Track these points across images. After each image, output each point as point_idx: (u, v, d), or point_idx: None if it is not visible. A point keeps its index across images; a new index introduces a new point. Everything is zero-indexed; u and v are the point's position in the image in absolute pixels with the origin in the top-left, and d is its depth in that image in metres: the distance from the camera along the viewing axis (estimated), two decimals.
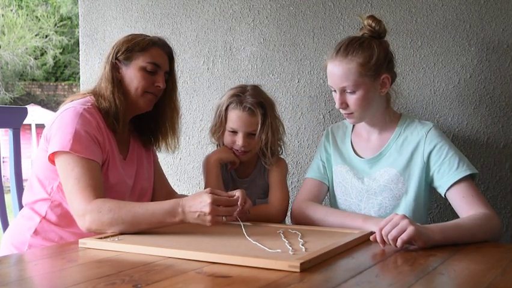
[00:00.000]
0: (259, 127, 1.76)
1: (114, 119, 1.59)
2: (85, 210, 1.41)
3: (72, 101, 1.60)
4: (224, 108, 1.78)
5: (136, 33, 1.71)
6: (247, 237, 1.33)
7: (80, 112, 1.52)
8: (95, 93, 1.62)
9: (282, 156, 1.89)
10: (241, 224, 1.40)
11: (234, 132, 1.78)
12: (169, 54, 1.70)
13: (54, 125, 1.53)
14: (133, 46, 1.63)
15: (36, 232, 1.55)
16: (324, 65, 1.64)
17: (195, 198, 1.38)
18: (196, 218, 1.37)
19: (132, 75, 1.62)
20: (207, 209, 1.35)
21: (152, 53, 1.63)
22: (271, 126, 1.78)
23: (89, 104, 1.58)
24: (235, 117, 1.76)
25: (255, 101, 1.76)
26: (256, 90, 1.81)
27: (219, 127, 1.81)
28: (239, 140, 1.77)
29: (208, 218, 1.36)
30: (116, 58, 1.63)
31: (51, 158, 1.51)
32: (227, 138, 1.80)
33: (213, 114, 1.86)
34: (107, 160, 1.56)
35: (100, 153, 1.52)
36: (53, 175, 1.55)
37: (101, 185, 1.48)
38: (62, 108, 1.58)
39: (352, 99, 1.58)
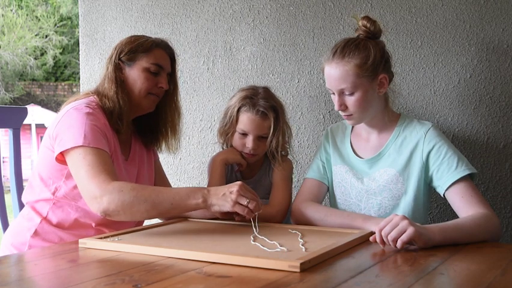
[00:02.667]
0: (271, 131, 1.76)
1: (118, 119, 1.59)
2: (103, 191, 1.38)
3: (76, 100, 1.60)
4: (236, 110, 1.77)
5: (137, 34, 1.72)
6: (257, 235, 1.34)
7: (87, 110, 1.52)
8: (99, 93, 1.62)
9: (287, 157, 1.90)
10: (255, 224, 1.44)
11: (244, 134, 1.78)
12: (171, 55, 1.71)
13: (61, 124, 1.52)
14: (137, 47, 1.63)
15: (36, 233, 1.55)
16: (321, 67, 1.64)
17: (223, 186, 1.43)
18: (221, 197, 1.38)
19: (136, 76, 1.63)
20: (234, 188, 1.39)
21: (155, 54, 1.64)
22: (281, 130, 1.78)
23: (94, 103, 1.58)
24: (247, 120, 1.76)
25: (268, 105, 1.76)
26: (268, 93, 1.81)
27: (228, 128, 1.80)
28: (249, 142, 1.77)
29: (234, 196, 1.38)
30: (119, 59, 1.64)
31: (60, 158, 1.50)
32: (236, 140, 1.80)
33: (221, 115, 1.86)
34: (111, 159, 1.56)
35: (108, 147, 1.52)
36: (58, 174, 1.55)
37: (115, 172, 1.47)
38: (67, 107, 1.57)
39: (351, 100, 1.58)
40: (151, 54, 1.64)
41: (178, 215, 1.62)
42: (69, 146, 1.46)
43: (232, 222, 1.57)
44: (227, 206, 1.39)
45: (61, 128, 1.51)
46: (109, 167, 1.44)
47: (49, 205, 1.57)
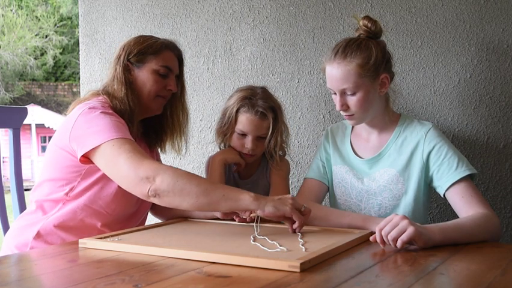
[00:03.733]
0: (270, 131, 1.77)
1: (128, 121, 1.58)
2: (157, 170, 1.35)
3: (86, 99, 1.58)
4: (234, 110, 1.77)
5: (145, 35, 1.71)
6: (257, 236, 1.34)
7: (104, 109, 1.51)
8: (108, 94, 1.61)
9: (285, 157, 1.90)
10: (256, 225, 1.43)
11: (243, 135, 1.78)
12: (179, 57, 1.71)
13: (80, 125, 1.49)
14: (146, 49, 1.63)
15: (38, 234, 1.54)
16: (322, 67, 1.64)
17: None
18: (277, 200, 1.38)
19: (145, 78, 1.62)
20: (288, 195, 1.40)
21: (164, 57, 1.64)
22: (280, 130, 1.79)
23: (107, 104, 1.57)
24: (246, 121, 1.76)
25: (267, 105, 1.76)
26: (266, 93, 1.81)
27: (226, 129, 1.80)
28: (248, 143, 1.77)
29: (291, 201, 1.38)
30: (128, 60, 1.62)
31: (83, 160, 1.47)
32: (235, 140, 1.80)
33: (219, 115, 1.86)
34: None
35: None
36: (75, 175, 1.54)
37: None
38: (79, 107, 1.54)
39: (352, 100, 1.58)
40: (160, 56, 1.63)
41: (225, 211, 1.51)
42: (98, 142, 1.42)
43: (232, 222, 1.57)
44: (287, 209, 1.37)
45: (81, 128, 1.48)
46: (148, 155, 1.43)
47: (58, 205, 1.56)
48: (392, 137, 1.66)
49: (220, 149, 1.89)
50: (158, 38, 1.68)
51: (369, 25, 1.61)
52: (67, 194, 1.55)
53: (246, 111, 1.76)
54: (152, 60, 1.62)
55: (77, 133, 1.48)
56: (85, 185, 1.54)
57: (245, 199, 1.36)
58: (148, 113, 1.68)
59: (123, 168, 1.39)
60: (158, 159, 1.86)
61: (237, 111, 1.77)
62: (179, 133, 1.77)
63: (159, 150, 1.83)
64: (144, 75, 1.62)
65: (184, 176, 1.36)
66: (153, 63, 1.62)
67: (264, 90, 1.82)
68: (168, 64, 1.64)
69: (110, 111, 1.52)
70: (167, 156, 2.26)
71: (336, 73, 1.57)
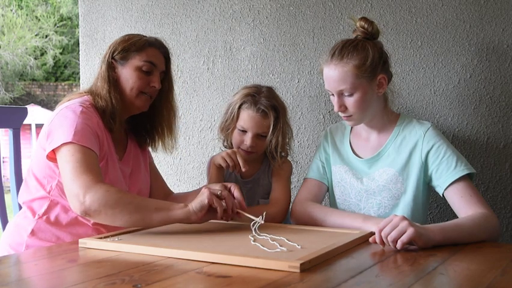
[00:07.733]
0: (271, 130, 1.76)
1: (111, 118, 1.59)
2: (88, 189, 1.36)
3: (70, 99, 1.61)
4: (237, 106, 1.78)
5: (133, 33, 1.72)
6: (255, 234, 1.34)
7: (80, 109, 1.52)
8: (92, 93, 1.63)
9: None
10: (256, 228, 1.42)
11: (244, 131, 1.78)
12: (165, 54, 1.71)
13: (53, 123, 1.52)
14: (130, 46, 1.63)
15: (33, 233, 1.55)
16: (320, 69, 1.64)
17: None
18: (198, 197, 1.40)
19: (128, 75, 1.63)
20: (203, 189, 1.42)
21: (148, 53, 1.64)
22: (282, 130, 1.78)
23: (88, 103, 1.58)
24: (247, 117, 1.76)
25: (269, 104, 1.76)
26: (271, 92, 1.82)
27: (229, 124, 1.81)
28: (247, 140, 1.77)
29: (206, 191, 1.40)
30: (113, 57, 1.64)
31: (51, 156, 1.49)
32: (236, 136, 1.80)
33: (223, 111, 1.87)
34: (104, 159, 1.55)
35: (98, 148, 1.52)
36: (52, 173, 1.55)
37: (102, 174, 1.46)
38: (60, 106, 1.58)
39: (350, 101, 1.58)
40: (144, 52, 1.63)
41: (161, 225, 1.59)
42: (59, 142, 1.45)
43: (232, 222, 1.57)
44: (204, 199, 1.39)
45: (53, 126, 1.51)
46: (96, 168, 1.44)
47: (46, 203, 1.56)
48: (391, 137, 1.66)
49: (223, 145, 1.89)
50: (144, 36, 1.69)
51: (365, 26, 1.61)
52: (49, 192, 1.56)
53: (248, 108, 1.76)
54: (136, 57, 1.63)
55: (49, 131, 1.52)
56: None
57: (177, 208, 1.39)
58: (134, 110, 1.68)
59: (66, 178, 1.42)
60: (150, 162, 1.85)
61: (239, 107, 1.78)
62: (169, 132, 1.77)
63: (150, 149, 1.83)
64: (127, 72, 1.63)
65: (116, 195, 1.37)
66: (136, 60, 1.63)
67: (269, 89, 1.82)
68: (151, 60, 1.64)
69: (85, 110, 1.53)
70: (168, 156, 2.26)
71: (334, 74, 1.57)
